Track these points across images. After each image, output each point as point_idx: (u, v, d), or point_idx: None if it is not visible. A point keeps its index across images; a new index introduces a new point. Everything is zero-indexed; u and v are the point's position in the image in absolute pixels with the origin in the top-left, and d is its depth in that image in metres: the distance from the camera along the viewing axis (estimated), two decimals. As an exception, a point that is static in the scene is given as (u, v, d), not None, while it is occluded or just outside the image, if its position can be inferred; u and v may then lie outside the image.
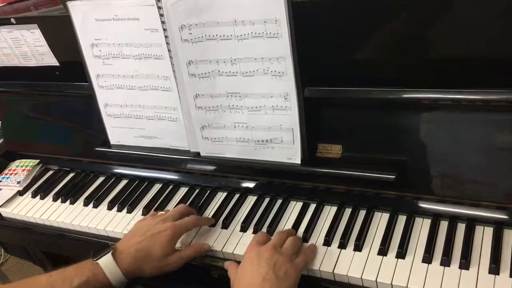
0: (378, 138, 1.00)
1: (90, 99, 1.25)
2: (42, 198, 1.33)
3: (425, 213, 0.98)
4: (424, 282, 0.86)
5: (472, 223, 0.94)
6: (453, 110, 0.93)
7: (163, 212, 1.08)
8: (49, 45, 1.28)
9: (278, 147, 1.06)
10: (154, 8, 1.03)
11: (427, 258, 0.89)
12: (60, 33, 1.24)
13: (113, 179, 1.33)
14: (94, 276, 0.94)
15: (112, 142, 1.29)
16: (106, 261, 0.96)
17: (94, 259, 0.97)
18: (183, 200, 1.20)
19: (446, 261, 0.88)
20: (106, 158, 1.33)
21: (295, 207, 1.09)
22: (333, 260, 0.94)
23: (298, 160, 1.06)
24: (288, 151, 1.06)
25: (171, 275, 1.17)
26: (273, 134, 1.05)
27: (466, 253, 0.88)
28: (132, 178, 1.32)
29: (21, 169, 1.44)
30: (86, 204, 1.27)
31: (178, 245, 1.03)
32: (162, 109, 1.17)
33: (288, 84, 0.98)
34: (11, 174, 1.43)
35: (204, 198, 1.19)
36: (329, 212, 1.06)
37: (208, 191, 1.20)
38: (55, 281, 0.94)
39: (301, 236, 1.01)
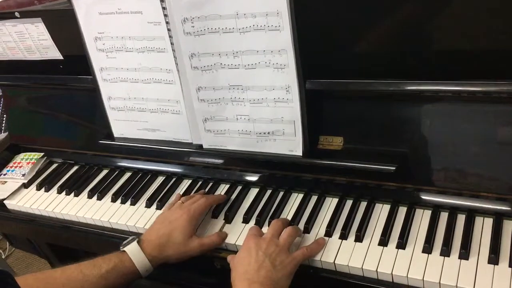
0: (379, 130, 1.01)
1: (93, 92, 1.26)
2: (46, 190, 1.35)
3: (425, 204, 0.99)
4: (424, 272, 0.87)
5: (472, 214, 0.94)
6: (453, 102, 0.94)
7: (180, 202, 1.10)
8: (53, 39, 1.29)
9: (280, 139, 1.07)
10: (156, 1, 1.03)
11: (427, 248, 0.90)
12: (64, 26, 1.25)
13: (117, 172, 1.34)
14: (121, 263, 0.98)
15: (115, 135, 1.30)
16: (132, 248, 1.00)
17: (122, 247, 1.01)
18: (186, 192, 1.21)
19: (446, 252, 0.89)
20: (109, 151, 1.34)
21: (296, 198, 1.10)
22: (334, 251, 0.95)
23: (299, 152, 1.06)
24: (289, 143, 1.07)
25: (175, 266, 1.18)
26: (275, 126, 1.06)
27: (465, 244, 0.89)
28: (135, 171, 1.33)
29: (26, 162, 1.45)
30: (90, 196, 1.28)
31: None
32: (165, 102, 1.18)
33: (289, 76, 0.99)
34: (16, 167, 1.45)
35: (207, 190, 1.20)
36: (330, 203, 1.07)
37: (211, 183, 1.21)
38: (84, 268, 0.98)
39: (302, 227, 1.02)
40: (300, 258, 0.92)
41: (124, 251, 1.00)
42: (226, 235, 1.05)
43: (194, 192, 1.19)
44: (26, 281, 0.92)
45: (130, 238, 1.03)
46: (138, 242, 1.01)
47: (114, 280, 0.97)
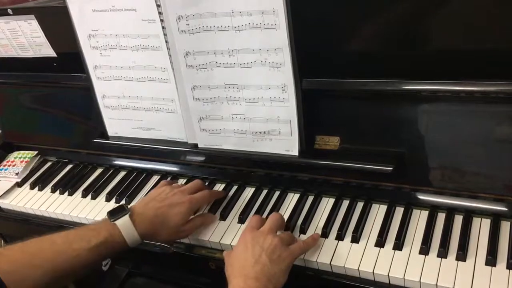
0: (376, 130, 1.00)
1: (87, 90, 1.24)
2: (40, 189, 1.34)
3: (422, 205, 0.98)
4: (421, 273, 0.86)
5: (469, 215, 0.94)
6: (451, 102, 0.93)
7: (179, 184, 1.09)
8: (46, 36, 1.27)
9: (276, 139, 1.06)
10: (151, -2, 1.02)
11: (424, 249, 0.89)
12: (57, 24, 1.23)
13: (111, 171, 1.33)
14: (112, 237, 0.96)
15: (109, 134, 1.29)
16: (123, 223, 0.97)
17: (112, 220, 0.98)
18: (181, 191, 1.20)
19: (443, 253, 0.88)
20: (104, 149, 1.33)
21: (292, 198, 1.09)
22: (331, 252, 0.94)
23: (296, 152, 1.05)
24: (286, 142, 1.06)
25: (171, 266, 1.18)
26: (271, 125, 1.05)
27: (463, 245, 0.88)
28: (130, 170, 1.32)
29: (20, 160, 1.44)
30: (84, 195, 1.27)
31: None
32: (159, 101, 1.17)
33: (286, 75, 0.98)
34: (9, 165, 1.43)
35: (202, 189, 1.19)
36: (326, 203, 1.06)
37: (206, 183, 1.20)
38: (72, 240, 0.95)
39: (298, 228, 1.01)
40: (298, 252, 0.91)
41: (114, 224, 0.97)
42: (207, 215, 1.08)
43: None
44: (13, 255, 0.90)
45: (120, 205, 1.01)
46: (130, 215, 0.98)
47: (102, 252, 0.95)
